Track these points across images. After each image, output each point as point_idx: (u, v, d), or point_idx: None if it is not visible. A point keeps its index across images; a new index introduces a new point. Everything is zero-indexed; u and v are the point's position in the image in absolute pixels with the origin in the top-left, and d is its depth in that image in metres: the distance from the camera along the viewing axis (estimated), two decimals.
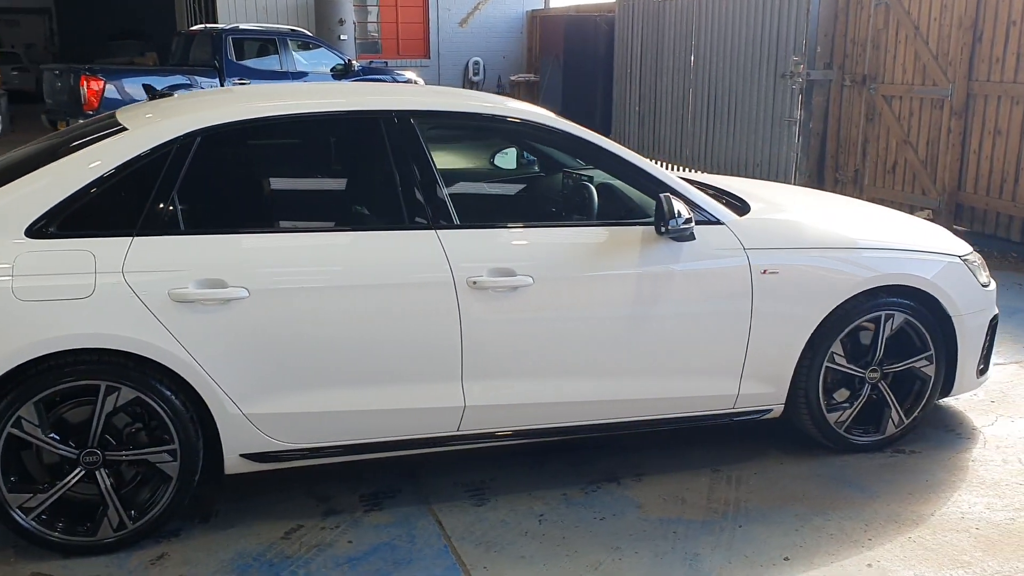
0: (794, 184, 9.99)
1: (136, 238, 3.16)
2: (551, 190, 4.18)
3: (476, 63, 17.92)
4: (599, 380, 3.63)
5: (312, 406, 3.34)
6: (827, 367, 3.88)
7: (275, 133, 3.46)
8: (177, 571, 3.18)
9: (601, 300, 3.56)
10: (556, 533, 3.41)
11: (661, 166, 12.73)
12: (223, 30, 13.24)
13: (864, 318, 3.88)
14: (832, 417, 3.95)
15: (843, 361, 3.90)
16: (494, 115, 3.67)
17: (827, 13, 9.64)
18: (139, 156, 3.23)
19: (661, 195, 3.54)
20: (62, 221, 3.14)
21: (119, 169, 3.21)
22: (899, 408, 4.03)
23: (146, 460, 3.24)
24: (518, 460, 3.94)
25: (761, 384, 3.82)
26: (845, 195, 9.80)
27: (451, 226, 3.45)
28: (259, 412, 3.28)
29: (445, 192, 3.48)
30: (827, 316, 3.80)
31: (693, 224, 3.56)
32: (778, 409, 3.91)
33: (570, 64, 14.15)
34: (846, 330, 3.86)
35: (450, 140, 4.09)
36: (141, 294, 3.10)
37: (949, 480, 3.81)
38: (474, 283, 3.38)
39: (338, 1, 15.97)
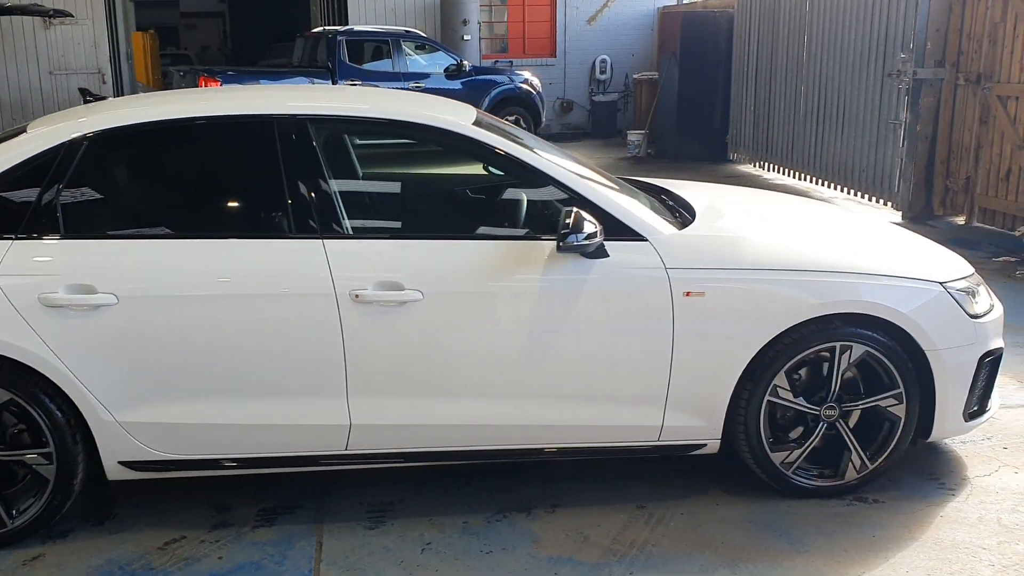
0: (899, 194, 9.24)
1: (16, 241, 3.20)
2: (464, 201, 3.96)
3: (603, 61, 17.58)
4: (497, 403, 3.40)
5: (188, 417, 3.28)
6: (770, 401, 3.49)
7: (162, 138, 3.41)
8: (45, 573, 3.19)
9: (497, 319, 3.33)
10: (431, 564, 3.21)
11: (774, 170, 12.18)
12: (337, 32, 13.55)
13: (814, 349, 3.47)
14: (778, 457, 3.55)
15: (789, 395, 3.50)
16: (395, 120, 3.47)
17: (939, 6, 8.82)
18: (25, 161, 3.26)
19: (565, 208, 3.27)
20: None
21: (5, 173, 3.24)
22: (861, 451, 3.57)
23: (23, 461, 3.28)
24: (436, 482, 3.76)
25: (690, 416, 3.48)
26: (956, 205, 9.00)
27: (341, 236, 3.31)
28: (133, 420, 3.25)
29: (338, 201, 3.34)
30: (767, 345, 3.41)
31: (599, 240, 3.27)
32: (713, 444, 3.55)
33: (687, 62, 13.61)
34: (792, 361, 3.45)
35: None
36: (12, 297, 3.13)
37: (900, 537, 3.35)
38: (356, 296, 3.23)
39: (463, 1, 16.04)
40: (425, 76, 13.79)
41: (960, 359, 3.56)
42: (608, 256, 3.34)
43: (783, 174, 11.90)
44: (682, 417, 3.47)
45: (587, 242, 3.23)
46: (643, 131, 14.34)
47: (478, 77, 14.16)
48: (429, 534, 3.40)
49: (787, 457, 3.56)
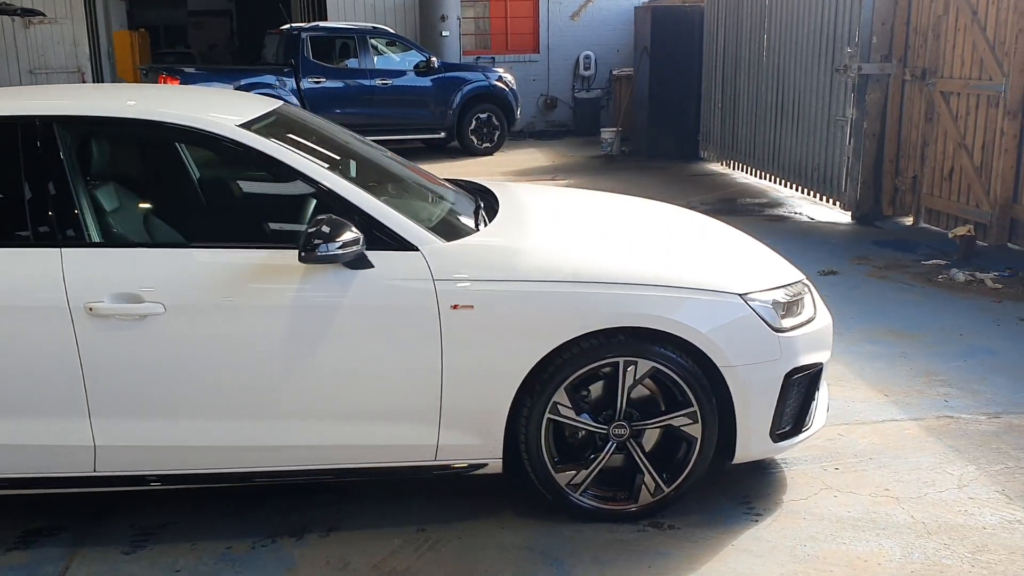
0: (846, 193, 8.93)
1: None
2: (224, 207, 3.76)
3: (587, 57, 17.30)
4: (254, 423, 3.21)
5: None
6: (550, 419, 3.27)
7: None
8: None
9: (248, 333, 3.14)
10: None
11: (739, 169, 11.85)
12: (301, 28, 13.41)
13: (596, 365, 3.25)
14: (563, 477, 3.33)
15: (571, 413, 3.28)
16: (147, 120, 3.28)
17: None
18: None
19: (318, 216, 3.07)
20: None
21: None
22: (655, 473, 3.35)
23: None
24: (219, 504, 3.56)
25: (466, 435, 3.27)
26: (905, 205, 8.68)
27: (82, 244, 3.13)
28: None
29: (82, 207, 3.16)
30: (543, 360, 3.20)
31: (358, 249, 3.06)
32: (495, 464, 3.34)
33: (658, 58, 13.30)
34: (571, 378, 3.24)
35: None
36: None
37: (678, 568, 3.11)
38: (91, 309, 3.05)
39: None
40: (393, 73, 13.60)
41: (761, 376, 3.32)
42: (372, 267, 3.14)
43: (747, 173, 11.60)
44: (458, 435, 3.27)
45: (341, 251, 3.02)
46: (616, 129, 14.07)
47: (447, 74, 13.95)
48: (184, 560, 3.22)
49: (573, 478, 3.34)
